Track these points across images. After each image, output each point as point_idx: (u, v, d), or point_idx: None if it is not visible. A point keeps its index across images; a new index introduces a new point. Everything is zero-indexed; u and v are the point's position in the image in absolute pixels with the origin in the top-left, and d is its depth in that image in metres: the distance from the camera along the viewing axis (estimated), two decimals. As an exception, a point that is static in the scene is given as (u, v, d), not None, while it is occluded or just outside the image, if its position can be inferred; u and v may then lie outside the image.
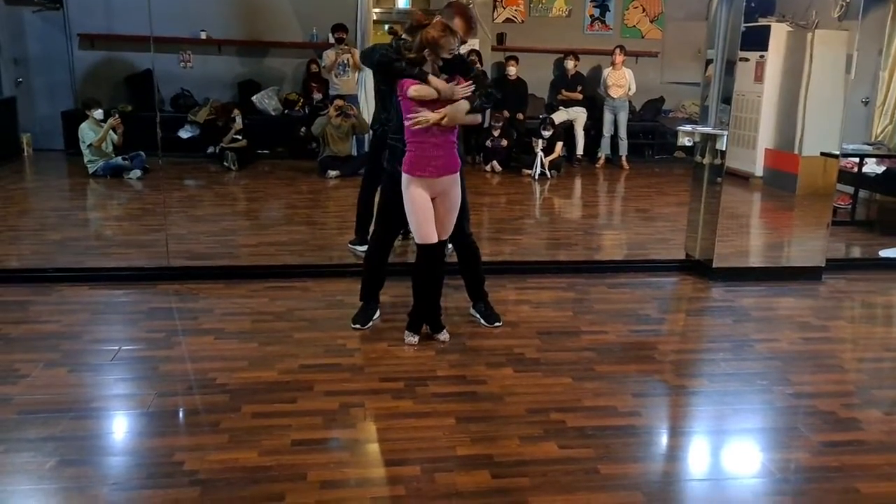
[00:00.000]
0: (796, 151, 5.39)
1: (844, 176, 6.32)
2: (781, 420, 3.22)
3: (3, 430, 2.90)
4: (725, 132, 4.91)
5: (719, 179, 5.00)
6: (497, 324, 4.08)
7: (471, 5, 5.57)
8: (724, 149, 4.93)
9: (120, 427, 3.04)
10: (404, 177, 3.65)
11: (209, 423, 2.99)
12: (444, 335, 3.85)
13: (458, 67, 3.66)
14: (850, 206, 6.75)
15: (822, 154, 5.22)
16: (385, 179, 3.92)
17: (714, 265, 5.03)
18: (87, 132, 8.03)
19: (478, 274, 4.13)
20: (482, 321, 4.11)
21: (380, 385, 3.36)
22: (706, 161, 5.10)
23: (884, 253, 5.80)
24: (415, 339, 3.82)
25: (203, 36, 9.65)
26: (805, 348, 3.97)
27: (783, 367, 3.71)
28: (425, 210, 3.65)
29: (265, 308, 4.30)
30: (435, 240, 3.69)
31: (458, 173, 3.73)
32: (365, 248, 5.21)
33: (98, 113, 8.14)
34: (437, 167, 3.61)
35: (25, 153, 9.22)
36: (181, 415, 3.10)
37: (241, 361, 3.56)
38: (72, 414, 3.04)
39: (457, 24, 3.71)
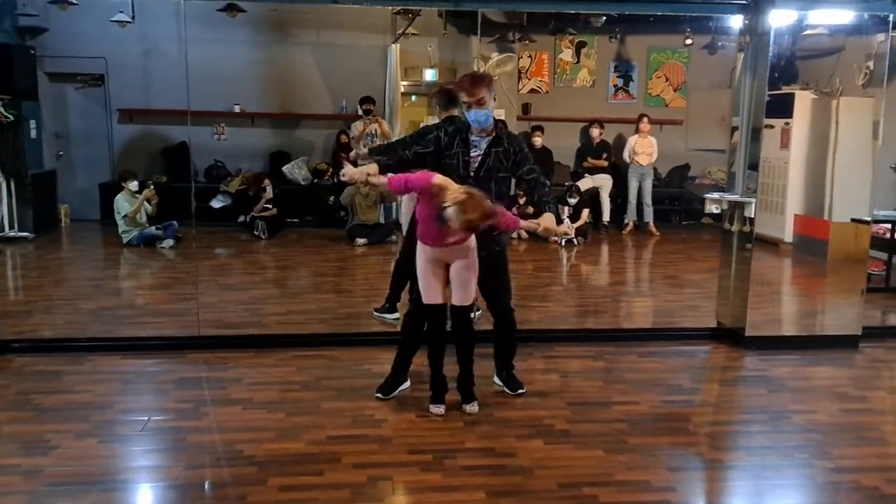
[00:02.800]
0: (826, 217, 5.35)
1: (877, 242, 6.24)
2: (823, 496, 3.10)
3: (33, 502, 2.90)
4: (754, 199, 4.90)
5: (749, 246, 4.97)
6: (520, 391, 4.03)
7: (495, 78, 5.65)
8: (752, 216, 4.92)
9: (147, 500, 3.03)
10: (417, 243, 3.76)
11: (236, 497, 2.96)
12: (472, 407, 3.81)
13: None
14: (883, 273, 6.63)
15: (853, 220, 5.18)
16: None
17: (747, 333, 4.95)
18: (123, 203, 8.26)
19: (509, 345, 4.11)
20: (505, 388, 4.07)
21: (408, 457, 3.31)
22: (735, 228, 5.09)
23: (922, 320, 5.68)
24: (439, 409, 3.78)
25: (237, 109, 9.97)
26: (845, 420, 3.85)
27: (822, 439, 3.60)
28: (427, 276, 3.72)
29: (293, 377, 4.30)
30: (436, 302, 3.74)
31: (466, 244, 3.65)
32: (391, 316, 5.24)
33: (133, 185, 8.38)
34: (439, 235, 3.59)
35: (63, 224, 9.48)
36: (208, 488, 3.07)
37: (268, 432, 3.54)
38: (100, 486, 3.03)
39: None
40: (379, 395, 3.96)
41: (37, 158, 9.11)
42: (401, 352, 4.03)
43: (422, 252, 3.73)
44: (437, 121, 5.28)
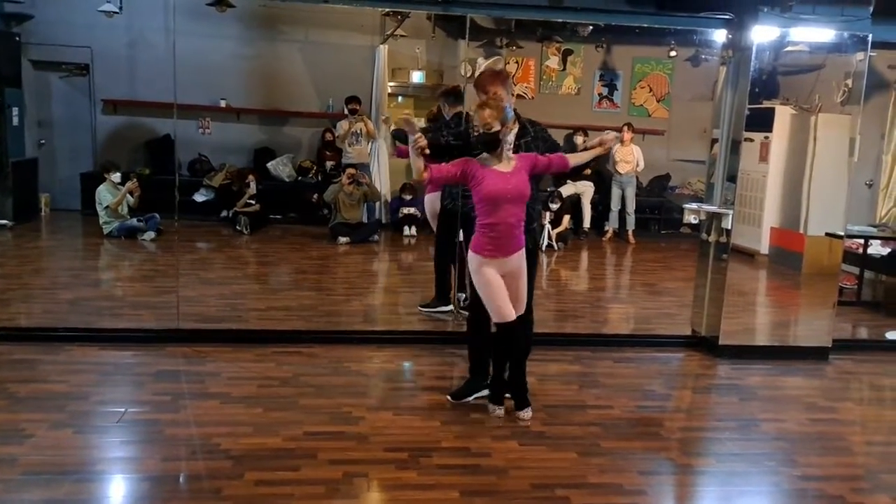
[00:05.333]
0: (801, 231, 5.45)
1: (849, 256, 6.37)
2: (789, 503, 3.17)
3: (6, 491, 2.89)
4: (731, 211, 4.99)
5: (725, 257, 5.06)
6: (497, 410, 3.85)
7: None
8: (729, 227, 5.01)
9: (122, 492, 3.03)
10: (476, 258, 3.63)
11: (211, 490, 2.98)
12: (526, 413, 3.79)
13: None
14: (855, 287, 6.76)
15: (827, 234, 5.28)
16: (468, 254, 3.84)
17: (720, 342, 5.04)
18: (105, 194, 8.21)
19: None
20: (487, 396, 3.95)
21: (384, 455, 3.34)
22: (712, 239, 5.17)
23: (891, 335, 5.78)
24: (500, 410, 3.79)
25: (223, 104, 9.94)
26: (812, 429, 3.94)
27: (790, 448, 3.68)
28: (501, 289, 3.61)
29: (272, 373, 4.31)
30: (514, 317, 3.65)
31: (523, 251, 3.69)
32: (447, 308, 5.28)
33: (116, 176, 8.33)
34: (511, 246, 3.60)
35: (43, 213, 9.39)
36: (184, 481, 3.08)
37: (245, 427, 3.56)
38: (75, 476, 3.04)
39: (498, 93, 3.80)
40: (449, 397, 3.93)
41: (18, 146, 9.03)
42: (472, 355, 4.01)
43: (484, 267, 3.60)
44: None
